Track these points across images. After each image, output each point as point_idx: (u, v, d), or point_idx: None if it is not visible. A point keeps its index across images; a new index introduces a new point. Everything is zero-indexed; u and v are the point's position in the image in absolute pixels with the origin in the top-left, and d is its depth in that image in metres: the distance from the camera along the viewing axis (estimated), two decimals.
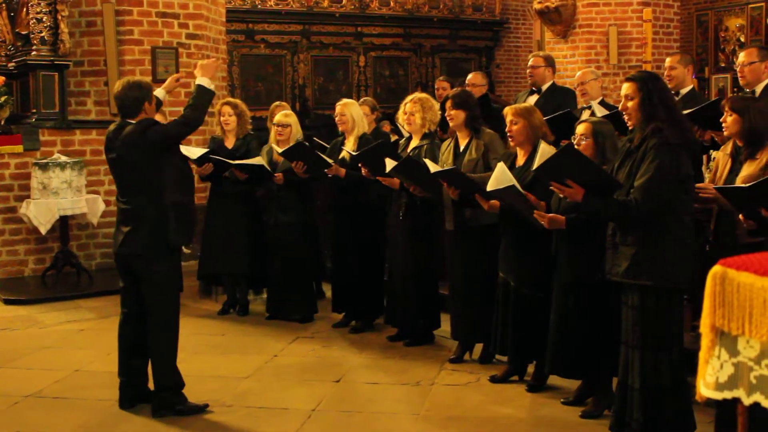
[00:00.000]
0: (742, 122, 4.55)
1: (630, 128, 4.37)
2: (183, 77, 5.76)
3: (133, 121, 5.03)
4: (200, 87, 5.20)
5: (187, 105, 5.19)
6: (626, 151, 4.33)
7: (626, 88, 4.31)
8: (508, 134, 5.35)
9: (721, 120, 4.69)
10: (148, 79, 5.51)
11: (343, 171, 6.65)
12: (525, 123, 5.26)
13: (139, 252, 5.00)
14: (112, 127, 5.16)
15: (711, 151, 5.90)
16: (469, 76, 8.54)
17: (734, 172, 4.64)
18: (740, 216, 4.41)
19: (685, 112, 4.94)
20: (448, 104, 5.89)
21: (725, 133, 4.74)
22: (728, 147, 4.79)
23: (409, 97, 6.41)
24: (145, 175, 4.98)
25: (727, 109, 4.63)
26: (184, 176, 5.21)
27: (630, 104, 4.28)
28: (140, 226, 4.99)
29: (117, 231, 5.12)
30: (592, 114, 6.47)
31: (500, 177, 4.94)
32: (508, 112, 5.36)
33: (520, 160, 5.33)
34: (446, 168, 5.65)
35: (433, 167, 5.67)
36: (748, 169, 4.51)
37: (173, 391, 5.03)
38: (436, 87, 9.54)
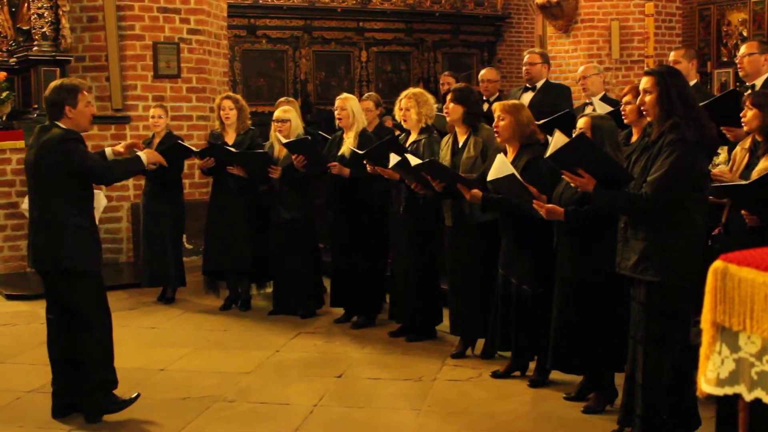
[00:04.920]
0: (763, 117, 4.52)
1: (628, 122, 4.35)
2: (135, 145, 5.54)
3: (60, 125, 4.79)
4: (138, 158, 5.07)
5: (118, 161, 5.02)
6: (643, 145, 4.31)
7: (644, 82, 4.26)
8: (495, 130, 5.34)
9: (741, 114, 4.67)
10: (81, 80, 5.21)
11: (347, 171, 6.63)
12: (512, 119, 5.25)
13: (50, 270, 4.84)
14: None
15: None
16: (483, 72, 8.53)
17: (751, 166, 4.61)
18: (743, 212, 4.39)
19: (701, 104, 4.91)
20: (449, 97, 5.89)
21: (744, 129, 4.71)
22: (747, 142, 4.76)
23: (404, 93, 6.40)
24: (53, 188, 4.77)
25: (748, 104, 4.60)
26: (87, 198, 4.95)
27: (648, 98, 4.22)
28: (49, 244, 4.78)
29: (31, 242, 4.93)
30: (594, 110, 6.46)
31: (500, 167, 4.95)
32: (496, 107, 5.36)
33: (509, 158, 5.31)
34: (425, 161, 5.66)
35: (414, 161, 5.67)
36: (765, 163, 4.49)
37: (103, 392, 4.84)
38: (441, 82, 9.54)
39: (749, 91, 5.18)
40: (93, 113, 5.08)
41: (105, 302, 4.95)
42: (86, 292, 4.83)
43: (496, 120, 5.30)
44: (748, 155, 4.71)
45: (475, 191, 5.28)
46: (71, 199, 4.79)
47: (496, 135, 5.36)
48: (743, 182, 4.30)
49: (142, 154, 5.13)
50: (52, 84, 4.96)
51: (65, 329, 4.88)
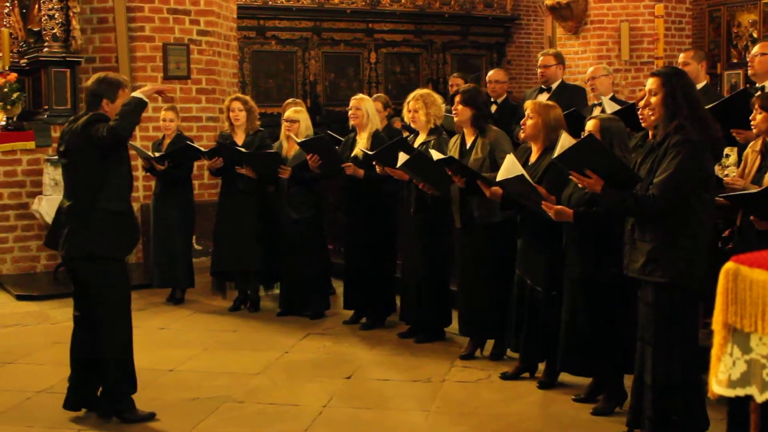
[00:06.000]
0: None
1: (647, 126, 4.34)
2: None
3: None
4: (132, 97, 4.82)
5: (121, 111, 4.80)
6: (649, 147, 4.31)
7: (650, 83, 4.28)
8: (521, 126, 5.34)
9: (750, 118, 4.66)
10: (124, 76, 5.21)
11: (361, 172, 6.61)
12: (538, 120, 5.24)
13: (77, 256, 4.83)
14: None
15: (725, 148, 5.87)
16: (491, 73, 8.51)
17: (763, 169, 4.60)
18: (752, 217, 4.38)
19: (709, 106, 4.90)
20: (457, 99, 5.88)
21: (754, 131, 4.70)
22: (757, 144, 4.74)
23: (411, 95, 6.39)
24: (84, 172, 4.77)
25: (756, 107, 4.59)
26: (126, 184, 4.93)
27: (653, 100, 4.24)
28: (78, 229, 4.78)
29: (61, 230, 4.89)
30: (603, 111, 6.46)
31: (510, 167, 4.94)
32: (527, 106, 5.36)
33: (533, 157, 5.32)
34: (444, 157, 5.65)
35: (436, 155, 5.68)
36: None
37: (119, 397, 4.85)
38: (450, 83, 9.52)
39: (758, 93, 5.16)
40: None
41: (127, 297, 4.96)
42: (111, 282, 4.83)
43: (525, 118, 5.31)
44: (759, 158, 4.69)
45: (495, 189, 5.27)
46: (103, 183, 4.77)
47: (521, 132, 5.37)
48: (752, 191, 4.30)
49: (138, 92, 4.83)
50: (97, 75, 4.96)
51: (89, 327, 4.89)
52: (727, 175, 5.29)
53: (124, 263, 5.01)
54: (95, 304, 4.85)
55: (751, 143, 4.87)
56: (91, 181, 4.78)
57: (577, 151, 4.41)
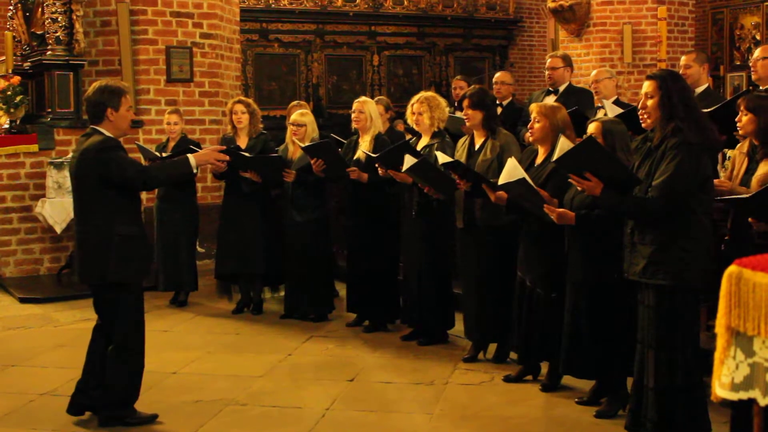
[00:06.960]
0: (757, 121, 4.53)
1: (647, 128, 4.35)
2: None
3: (100, 129, 4.74)
4: (186, 160, 4.91)
5: (163, 164, 4.81)
6: (646, 150, 4.32)
7: (646, 86, 4.29)
8: (529, 129, 5.35)
9: (736, 119, 4.67)
10: (125, 83, 5.16)
11: (365, 176, 6.60)
12: (546, 123, 5.23)
13: (90, 282, 4.85)
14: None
15: (725, 149, 5.88)
16: (497, 74, 8.51)
17: (751, 171, 4.61)
18: (750, 219, 4.39)
19: (711, 108, 4.92)
20: (465, 103, 5.86)
21: (740, 132, 4.73)
22: (744, 146, 4.76)
23: (415, 98, 6.38)
24: (93, 197, 4.72)
25: (742, 108, 4.61)
26: (137, 208, 4.93)
27: (649, 102, 4.26)
28: (89, 255, 4.77)
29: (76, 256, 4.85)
30: (605, 114, 6.45)
31: (511, 171, 4.94)
32: (533, 109, 5.35)
33: (539, 159, 5.32)
34: (451, 160, 5.65)
35: (442, 158, 5.68)
36: (764, 168, 4.50)
37: (120, 406, 4.84)
38: (453, 86, 9.53)
39: (743, 96, 5.17)
40: (133, 118, 5.04)
41: (142, 318, 4.95)
42: (126, 305, 4.82)
43: (532, 121, 5.31)
44: (747, 159, 4.71)
45: (501, 193, 5.26)
46: (116, 208, 4.73)
47: (529, 135, 5.37)
48: (744, 195, 4.31)
49: (192, 157, 4.91)
50: (96, 84, 4.86)
51: (106, 338, 4.87)
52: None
53: (140, 286, 4.96)
54: (110, 323, 4.85)
55: (738, 145, 4.89)
56: (102, 206, 4.71)
57: (576, 154, 4.41)
